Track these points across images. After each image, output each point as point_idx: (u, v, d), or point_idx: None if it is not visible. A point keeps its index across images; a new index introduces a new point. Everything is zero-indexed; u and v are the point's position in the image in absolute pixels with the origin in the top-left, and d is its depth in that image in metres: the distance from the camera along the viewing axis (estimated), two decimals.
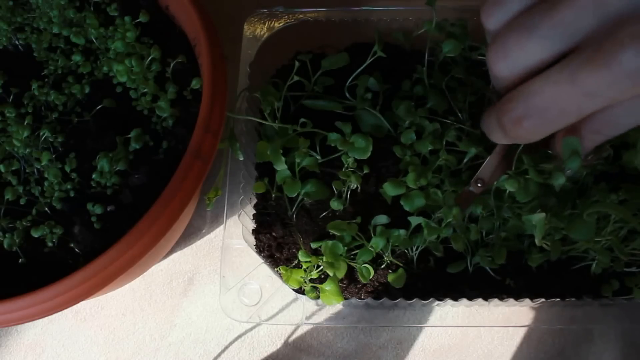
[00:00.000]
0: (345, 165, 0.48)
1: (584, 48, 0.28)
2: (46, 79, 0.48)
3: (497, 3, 0.31)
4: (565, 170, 0.38)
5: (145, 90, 0.47)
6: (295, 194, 0.49)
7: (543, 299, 0.47)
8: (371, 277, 0.47)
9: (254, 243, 0.50)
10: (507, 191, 0.45)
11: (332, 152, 0.48)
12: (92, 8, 0.51)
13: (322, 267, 0.47)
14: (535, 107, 0.30)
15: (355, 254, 0.47)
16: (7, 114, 0.45)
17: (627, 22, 0.26)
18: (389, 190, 0.47)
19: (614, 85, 0.27)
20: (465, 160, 0.48)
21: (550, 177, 0.41)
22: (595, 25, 0.27)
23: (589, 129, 0.33)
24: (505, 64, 0.31)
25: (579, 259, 0.48)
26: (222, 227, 0.58)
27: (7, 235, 0.43)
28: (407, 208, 0.47)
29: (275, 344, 0.55)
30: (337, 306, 0.52)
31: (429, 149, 0.48)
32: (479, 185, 0.44)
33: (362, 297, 0.48)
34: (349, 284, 0.48)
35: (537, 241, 0.43)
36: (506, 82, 0.32)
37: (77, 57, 0.48)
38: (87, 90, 0.48)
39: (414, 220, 0.46)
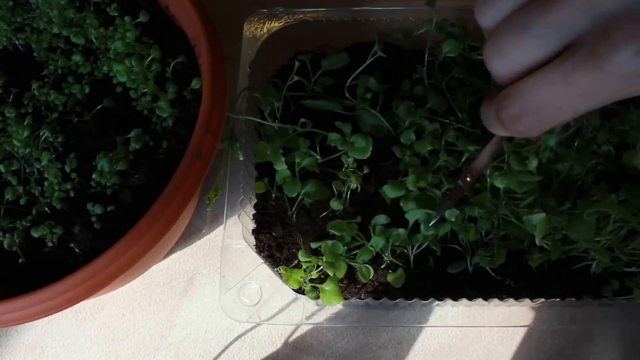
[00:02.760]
0: (345, 165, 0.48)
1: (578, 47, 0.28)
2: (46, 79, 0.48)
3: (489, 1, 0.31)
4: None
5: (145, 90, 0.47)
6: (295, 194, 0.49)
7: (543, 299, 0.47)
8: (371, 277, 0.47)
9: (254, 243, 0.50)
10: (502, 188, 0.45)
11: (332, 152, 0.48)
12: (92, 8, 0.51)
13: (322, 267, 0.47)
14: (531, 106, 0.31)
15: (355, 254, 0.47)
16: (7, 114, 0.45)
17: (620, 23, 0.26)
18: (389, 192, 0.47)
19: (607, 87, 0.27)
20: (463, 160, 0.48)
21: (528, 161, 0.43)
22: (589, 25, 0.27)
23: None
24: (502, 62, 0.31)
25: (579, 259, 0.48)
26: (222, 227, 0.58)
27: (7, 235, 0.43)
28: (406, 209, 0.47)
29: (275, 344, 0.55)
30: (337, 306, 0.52)
31: (429, 149, 0.48)
32: (468, 179, 0.44)
33: (362, 297, 0.48)
34: (349, 284, 0.48)
35: (537, 241, 0.43)
36: (504, 79, 0.32)
37: (77, 57, 0.48)
38: (87, 90, 0.48)
39: (412, 216, 0.46)
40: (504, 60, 0.31)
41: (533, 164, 0.43)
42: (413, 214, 0.46)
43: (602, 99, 0.28)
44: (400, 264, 0.48)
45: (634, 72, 0.26)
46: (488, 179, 0.45)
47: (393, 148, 0.49)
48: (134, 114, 0.48)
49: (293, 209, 0.50)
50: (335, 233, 0.47)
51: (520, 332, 0.55)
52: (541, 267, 0.48)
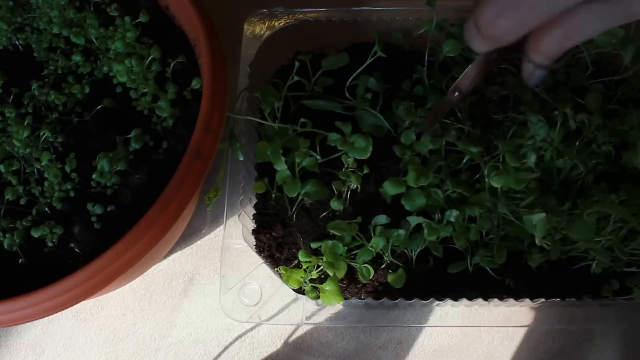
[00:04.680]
0: (345, 165, 0.48)
1: None
2: (46, 79, 0.48)
3: None
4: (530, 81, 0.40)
5: (145, 90, 0.47)
6: (295, 194, 0.49)
7: (543, 299, 0.47)
8: (371, 277, 0.47)
9: (254, 243, 0.50)
10: (500, 187, 0.45)
11: (332, 152, 0.49)
12: (92, 8, 0.51)
13: (322, 267, 0.47)
14: (507, 4, 0.32)
15: (355, 254, 0.47)
16: (7, 114, 0.45)
17: None
18: (389, 189, 0.47)
19: None
20: (464, 160, 0.48)
21: (525, 159, 0.44)
22: None
23: (559, 34, 0.34)
24: None
25: (579, 259, 0.48)
26: (222, 227, 0.58)
27: (7, 235, 0.43)
28: (407, 207, 0.47)
29: (275, 344, 0.55)
30: (337, 306, 0.52)
31: (429, 148, 0.48)
32: (456, 94, 0.44)
33: (362, 297, 0.48)
34: (349, 284, 0.48)
35: (537, 241, 0.43)
36: None
37: (77, 57, 0.48)
38: (87, 90, 0.48)
39: (414, 220, 0.46)
40: None
41: (532, 159, 0.44)
42: (415, 219, 0.46)
43: None
44: (401, 264, 0.48)
45: None
46: (487, 179, 0.45)
47: (393, 148, 0.49)
48: (134, 114, 0.48)
49: (293, 209, 0.50)
50: (335, 233, 0.47)
51: (520, 332, 0.55)
52: (541, 267, 0.48)
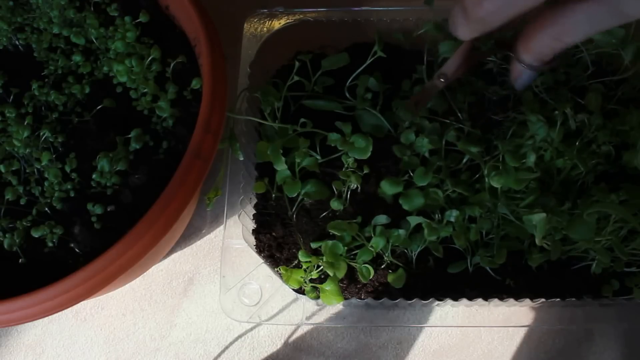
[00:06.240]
0: (345, 165, 0.48)
1: None
2: (46, 79, 0.48)
3: None
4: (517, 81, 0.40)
5: (145, 90, 0.47)
6: (295, 194, 0.49)
7: (543, 299, 0.47)
8: (371, 277, 0.47)
9: (254, 243, 0.50)
10: (500, 187, 0.45)
11: (332, 152, 0.49)
12: (92, 8, 0.51)
13: (322, 267, 0.47)
14: None
15: (355, 254, 0.47)
16: (7, 114, 0.45)
17: None
18: (387, 188, 0.47)
19: None
20: (464, 160, 0.48)
21: (525, 159, 0.44)
22: None
23: (550, 35, 0.34)
24: None
25: (579, 259, 0.48)
26: (222, 227, 0.58)
27: (7, 235, 0.43)
28: (406, 207, 0.47)
29: (276, 344, 0.55)
30: (337, 306, 0.52)
31: (429, 149, 0.48)
32: (441, 80, 0.45)
33: (362, 297, 0.48)
34: (349, 284, 0.48)
35: (537, 241, 0.43)
36: None
37: (77, 57, 0.48)
38: (87, 90, 0.48)
39: (414, 220, 0.46)
40: None
41: (531, 159, 0.44)
42: (415, 219, 0.46)
43: None
44: (401, 264, 0.48)
45: None
46: (486, 179, 0.45)
47: (393, 148, 0.49)
48: (134, 114, 0.48)
49: (293, 209, 0.50)
50: (336, 233, 0.47)
51: (520, 332, 0.55)
52: (541, 267, 0.48)
